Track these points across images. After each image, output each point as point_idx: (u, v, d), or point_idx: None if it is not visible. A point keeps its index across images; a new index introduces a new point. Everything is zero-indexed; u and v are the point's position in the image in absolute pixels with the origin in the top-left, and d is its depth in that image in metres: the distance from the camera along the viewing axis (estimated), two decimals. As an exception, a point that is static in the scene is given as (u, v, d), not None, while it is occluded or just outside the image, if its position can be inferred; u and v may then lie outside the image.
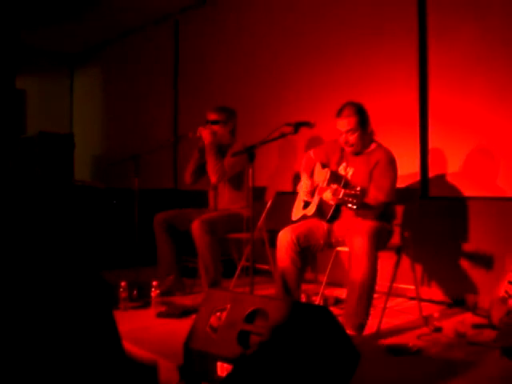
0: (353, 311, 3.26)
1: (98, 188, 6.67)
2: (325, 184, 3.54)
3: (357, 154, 3.63)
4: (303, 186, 3.76)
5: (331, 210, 3.51)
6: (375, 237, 3.30)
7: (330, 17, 5.10)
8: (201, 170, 4.63)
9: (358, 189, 3.06)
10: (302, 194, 3.78)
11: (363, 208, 3.22)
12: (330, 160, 3.78)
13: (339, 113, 3.55)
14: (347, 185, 3.48)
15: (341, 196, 3.12)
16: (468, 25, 4.11)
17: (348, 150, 3.62)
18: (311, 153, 3.93)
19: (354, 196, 3.05)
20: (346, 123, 3.51)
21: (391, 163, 3.56)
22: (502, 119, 3.97)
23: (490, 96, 4.02)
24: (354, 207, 3.08)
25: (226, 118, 4.54)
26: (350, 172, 3.63)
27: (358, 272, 3.24)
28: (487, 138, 4.05)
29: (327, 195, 3.30)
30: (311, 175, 3.81)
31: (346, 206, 3.14)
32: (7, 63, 7.52)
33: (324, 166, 3.78)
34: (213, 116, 4.53)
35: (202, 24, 6.56)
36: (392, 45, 4.58)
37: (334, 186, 3.21)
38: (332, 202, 3.36)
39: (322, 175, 3.67)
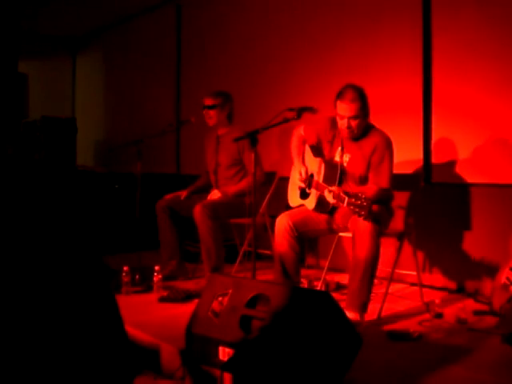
0: (356, 290, 3.25)
1: (100, 173, 6.67)
2: (321, 178, 3.47)
3: (354, 139, 3.56)
4: (296, 174, 3.68)
5: (331, 206, 3.48)
6: (377, 219, 3.29)
7: (331, 0, 5.06)
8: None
9: (363, 197, 2.99)
10: (296, 181, 3.72)
11: (371, 212, 3.11)
12: (322, 140, 3.70)
13: (342, 96, 3.41)
14: (344, 174, 3.50)
15: (345, 204, 3.10)
16: (473, 10, 4.07)
17: (346, 135, 3.53)
18: (301, 130, 3.81)
19: (361, 207, 2.99)
20: (349, 109, 3.39)
21: (388, 146, 3.51)
22: (505, 106, 3.94)
23: (494, 82, 3.99)
24: (363, 218, 3.05)
25: (222, 102, 4.54)
26: (347, 159, 3.58)
27: (361, 251, 3.23)
28: (491, 125, 4.03)
29: (329, 198, 3.26)
30: (303, 158, 3.76)
31: (353, 213, 3.10)
32: (9, 47, 7.49)
33: (315, 150, 3.69)
34: (209, 101, 4.53)
35: (205, 8, 6.51)
36: (395, 30, 4.54)
37: (333, 188, 3.23)
38: (334, 203, 3.31)
39: (315, 164, 3.61)
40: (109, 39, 8.41)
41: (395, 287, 4.17)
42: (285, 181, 4.13)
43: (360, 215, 3.02)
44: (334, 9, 5.05)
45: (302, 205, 3.67)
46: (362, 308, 3.27)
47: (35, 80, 8.16)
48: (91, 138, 8.44)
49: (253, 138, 3.47)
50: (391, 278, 3.67)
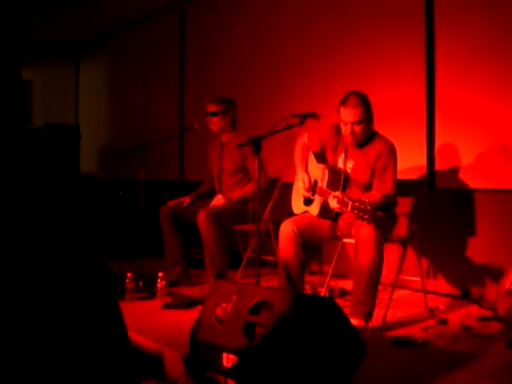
0: (360, 299, 3.25)
1: (104, 179, 6.68)
2: (325, 184, 3.48)
3: (358, 146, 3.57)
4: (300, 183, 3.68)
5: (335, 212, 3.47)
6: (381, 225, 3.28)
7: (335, 7, 5.07)
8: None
9: (367, 201, 2.99)
10: (300, 190, 3.71)
11: (374, 216, 3.11)
12: (326, 147, 3.70)
13: (345, 102, 3.43)
14: (347, 180, 3.51)
15: (349, 209, 3.09)
16: (476, 15, 4.08)
17: (350, 141, 3.54)
18: (305, 138, 3.83)
19: (365, 211, 2.98)
20: (353, 114, 3.40)
21: (392, 153, 3.52)
22: (508, 111, 3.93)
23: (497, 88, 3.98)
24: (367, 222, 3.04)
25: (225, 108, 4.54)
26: (350, 165, 3.58)
27: (364, 258, 3.22)
28: (494, 130, 4.02)
29: (333, 203, 3.25)
30: (306, 166, 3.76)
31: (357, 217, 3.09)
32: (13, 54, 7.52)
33: (319, 157, 3.69)
34: (212, 107, 4.54)
35: (209, 13, 6.53)
36: (399, 36, 4.54)
37: (337, 193, 3.21)
38: (338, 209, 3.30)
39: (318, 171, 3.61)
40: (112, 45, 8.43)
41: (399, 293, 4.16)
42: (288, 187, 4.13)
43: (363, 219, 3.01)
44: (337, 15, 5.05)
45: (306, 211, 3.67)
46: (367, 316, 3.26)
47: (39, 86, 8.20)
48: (95, 144, 8.46)
49: (256, 144, 3.47)
50: (395, 284, 3.66)
